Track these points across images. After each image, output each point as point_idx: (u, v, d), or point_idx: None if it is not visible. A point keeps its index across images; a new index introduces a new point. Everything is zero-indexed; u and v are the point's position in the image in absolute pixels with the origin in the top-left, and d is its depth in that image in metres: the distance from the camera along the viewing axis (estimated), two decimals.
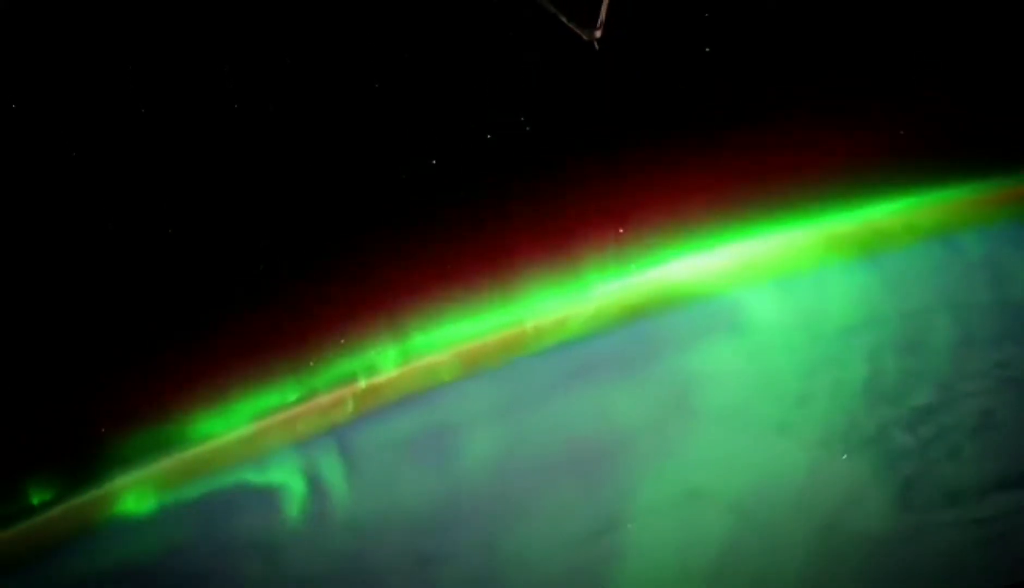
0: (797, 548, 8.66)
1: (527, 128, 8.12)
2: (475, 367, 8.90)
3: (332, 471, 8.85)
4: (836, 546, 8.67)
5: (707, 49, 7.96)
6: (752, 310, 8.66)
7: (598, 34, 7.38)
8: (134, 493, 8.58)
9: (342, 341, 8.72)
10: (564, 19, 7.42)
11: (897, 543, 8.73)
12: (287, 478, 8.81)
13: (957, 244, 8.75)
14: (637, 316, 8.74)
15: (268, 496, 8.77)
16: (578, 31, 7.41)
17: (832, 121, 8.24)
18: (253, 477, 8.81)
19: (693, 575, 8.66)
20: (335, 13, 7.74)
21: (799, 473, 8.63)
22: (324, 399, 8.80)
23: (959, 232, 8.73)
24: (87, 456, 8.46)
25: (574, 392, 8.82)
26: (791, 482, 8.63)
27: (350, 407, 8.89)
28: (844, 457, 8.45)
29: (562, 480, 8.80)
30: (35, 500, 8.33)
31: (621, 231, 8.49)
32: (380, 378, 8.88)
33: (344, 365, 8.78)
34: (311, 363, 8.70)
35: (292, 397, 8.74)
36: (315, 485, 8.81)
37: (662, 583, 8.68)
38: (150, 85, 7.67)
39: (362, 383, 8.83)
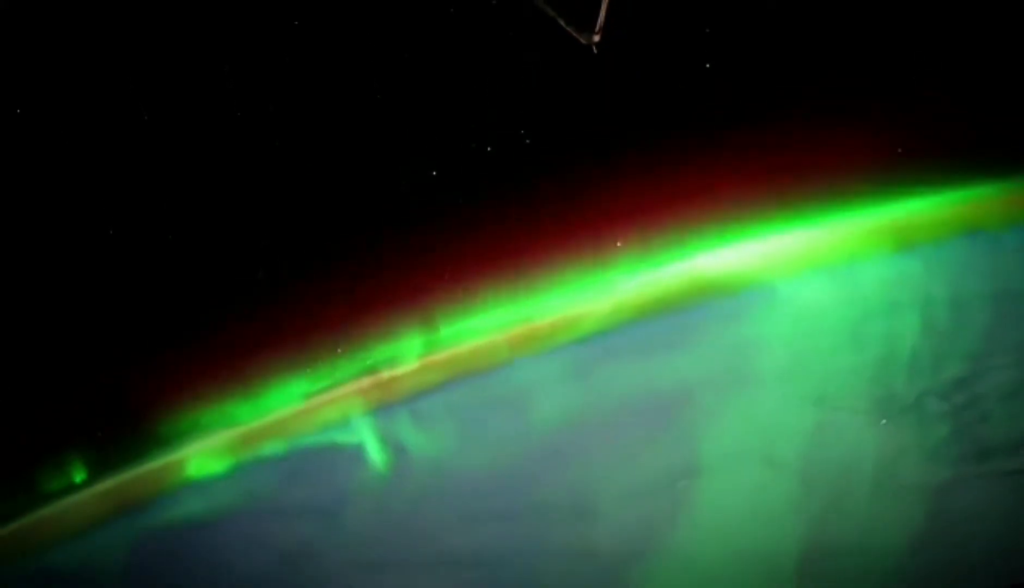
0: (844, 501, 9.26)
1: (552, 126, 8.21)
2: (531, 348, 9.50)
3: (404, 435, 9.61)
4: (877, 498, 9.19)
5: (719, 46, 7.76)
6: (798, 296, 9.14)
7: (596, 38, 7.26)
8: (208, 458, 9.65)
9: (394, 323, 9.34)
10: (563, 23, 7.32)
11: (935, 494, 9.15)
12: (358, 441, 9.60)
13: (989, 237, 9.04)
14: (684, 303, 9.28)
15: (336, 458, 9.63)
16: (577, 35, 7.30)
17: (864, 120, 8.41)
18: (322, 441, 9.65)
19: (751, 523, 9.33)
20: (340, 26, 7.82)
21: (843, 436, 9.19)
22: (388, 373, 9.49)
23: (992, 226, 9.01)
24: (160, 427, 9.46)
25: (627, 366, 9.44)
26: (837, 444, 9.21)
27: (410, 382, 9.57)
28: (883, 422, 8.97)
29: (620, 443, 9.48)
30: (113, 465, 9.44)
31: (654, 224, 8.73)
32: (432, 358, 9.50)
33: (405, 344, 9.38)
34: (378, 336, 9.30)
35: (353, 370, 9.49)
36: (386, 448, 9.57)
37: (723, 532, 9.30)
38: (154, 92, 7.90)
39: (414, 363, 9.45)
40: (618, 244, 8.88)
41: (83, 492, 9.38)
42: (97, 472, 9.38)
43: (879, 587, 9.24)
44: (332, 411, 9.64)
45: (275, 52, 7.82)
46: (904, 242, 8.90)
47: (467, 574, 9.51)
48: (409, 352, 9.35)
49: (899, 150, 8.34)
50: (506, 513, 9.54)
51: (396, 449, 9.65)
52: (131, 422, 9.23)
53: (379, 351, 9.29)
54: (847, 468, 9.21)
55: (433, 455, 9.62)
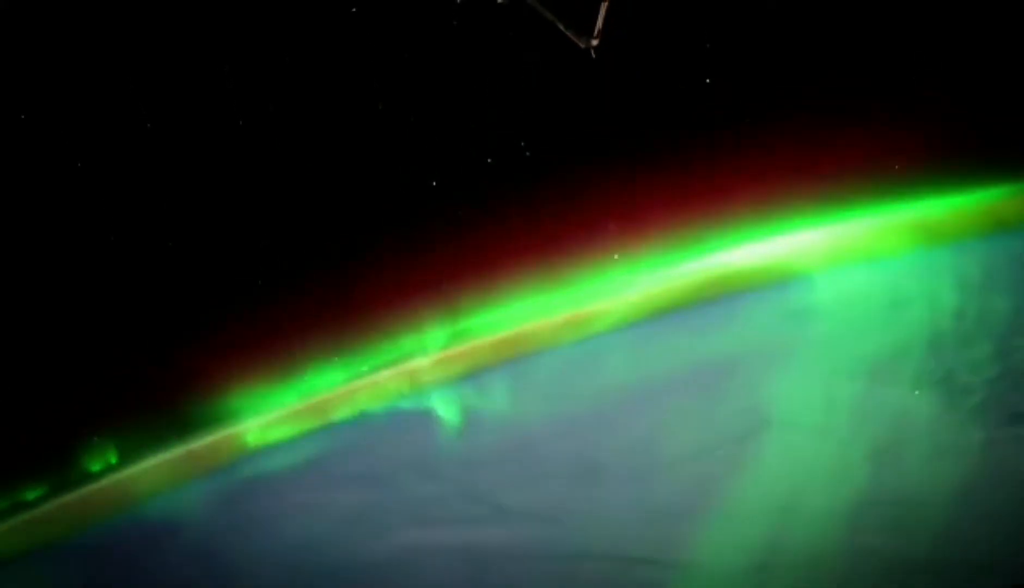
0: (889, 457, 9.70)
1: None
2: (594, 328, 10.41)
3: (467, 404, 10.54)
4: (912, 458, 9.55)
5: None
6: (841, 285, 9.88)
7: (595, 42, 7.14)
8: (278, 427, 10.63)
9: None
10: (562, 27, 7.21)
11: (967, 455, 9.41)
12: (419, 409, 10.48)
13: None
14: (734, 292, 10.12)
15: (395, 427, 10.56)
16: (575, 39, 7.20)
17: (902, 122, 8.68)
18: (382, 411, 10.57)
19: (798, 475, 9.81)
20: (347, 43, 7.89)
21: (878, 406, 9.74)
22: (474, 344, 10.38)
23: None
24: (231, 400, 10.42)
25: (680, 343, 10.27)
26: (876, 413, 9.75)
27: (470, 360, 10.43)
28: (916, 392, 9.52)
29: (684, 407, 10.23)
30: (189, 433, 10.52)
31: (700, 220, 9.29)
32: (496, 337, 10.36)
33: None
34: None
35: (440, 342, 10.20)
36: (473, 409, 10.57)
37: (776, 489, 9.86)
38: (161, 101, 8.15)
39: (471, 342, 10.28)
40: (663, 239, 9.51)
41: (168, 456, 10.51)
42: (178, 438, 10.45)
43: (925, 535, 9.53)
44: (391, 385, 10.40)
45: (280, 68, 7.97)
46: (935, 237, 9.47)
47: (523, 528, 10.28)
48: (467, 332, 10.10)
49: (931, 151, 8.68)
50: (564, 473, 10.32)
51: (459, 416, 10.50)
52: (205, 395, 10.17)
53: (442, 328, 9.93)
54: (889, 429, 9.66)
55: (495, 420, 10.47)
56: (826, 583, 9.23)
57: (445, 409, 10.46)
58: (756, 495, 9.73)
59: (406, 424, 10.55)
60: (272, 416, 10.40)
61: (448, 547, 10.31)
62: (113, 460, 10.44)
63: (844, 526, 9.40)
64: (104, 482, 10.34)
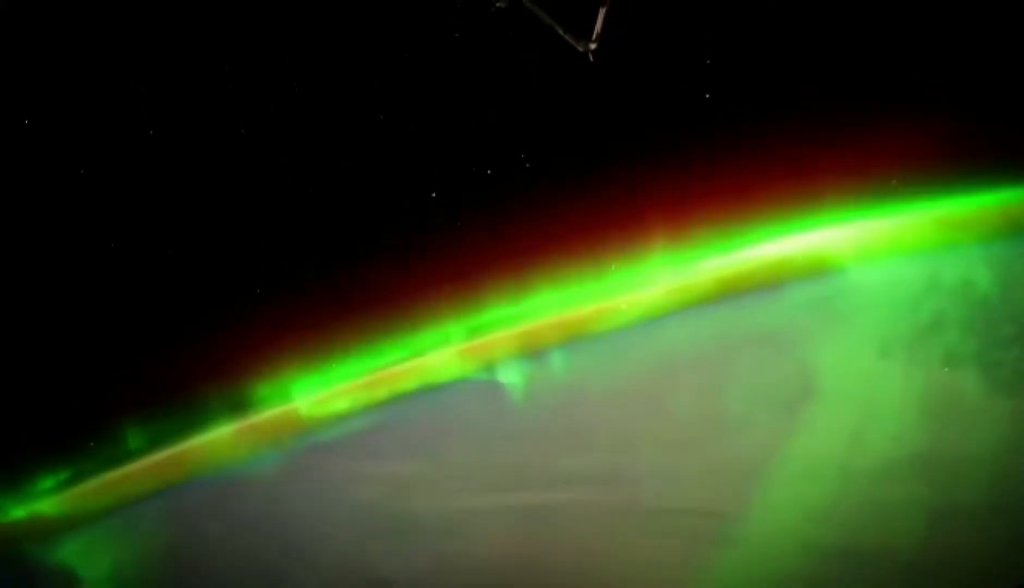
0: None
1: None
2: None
3: (545, 375, 11.05)
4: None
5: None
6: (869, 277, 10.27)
7: (593, 46, 7.04)
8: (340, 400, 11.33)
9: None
10: (560, 31, 7.13)
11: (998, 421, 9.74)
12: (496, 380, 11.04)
13: None
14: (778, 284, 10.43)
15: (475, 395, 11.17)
16: (574, 43, 7.10)
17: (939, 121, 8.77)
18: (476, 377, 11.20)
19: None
20: (352, 56, 7.93)
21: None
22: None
23: None
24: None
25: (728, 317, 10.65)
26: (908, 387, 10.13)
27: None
28: (945, 370, 9.82)
29: (733, 379, 10.67)
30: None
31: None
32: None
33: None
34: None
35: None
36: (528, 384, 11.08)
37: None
38: (162, 102, 8.35)
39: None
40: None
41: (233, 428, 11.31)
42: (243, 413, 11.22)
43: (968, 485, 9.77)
44: (443, 363, 10.97)
45: (281, 75, 8.07)
46: (966, 233, 9.74)
47: (576, 490, 10.84)
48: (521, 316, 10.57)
49: (959, 150, 8.89)
50: (617, 442, 10.85)
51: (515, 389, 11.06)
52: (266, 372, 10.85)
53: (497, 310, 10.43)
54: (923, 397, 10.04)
55: (548, 394, 11.02)
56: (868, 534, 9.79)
57: (499, 383, 10.95)
58: (805, 455, 10.22)
59: (459, 398, 11.09)
60: (332, 391, 11.06)
61: (502, 509, 10.95)
62: (179, 431, 11.24)
63: (886, 480, 9.90)
64: (174, 450, 11.17)
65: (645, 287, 10.29)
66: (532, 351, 10.92)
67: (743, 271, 10.23)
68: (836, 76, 8.40)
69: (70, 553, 11.34)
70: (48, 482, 10.88)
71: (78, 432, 10.48)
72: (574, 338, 10.81)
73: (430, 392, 11.09)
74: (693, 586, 10.50)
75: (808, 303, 10.26)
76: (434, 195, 8.85)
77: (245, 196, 9.19)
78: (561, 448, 10.94)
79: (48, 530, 11.05)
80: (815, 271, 10.10)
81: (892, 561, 9.75)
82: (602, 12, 6.93)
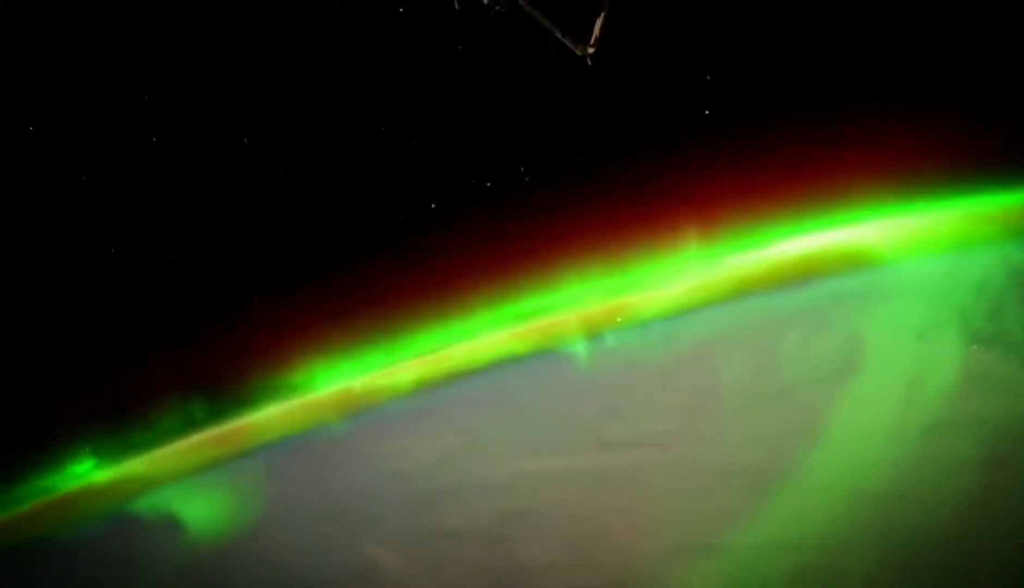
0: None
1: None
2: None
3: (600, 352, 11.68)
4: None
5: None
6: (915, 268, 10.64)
7: (591, 50, 6.94)
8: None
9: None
10: (559, 35, 7.05)
11: None
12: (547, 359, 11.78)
13: None
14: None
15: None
16: (572, 47, 7.02)
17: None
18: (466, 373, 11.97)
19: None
20: (355, 68, 8.04)
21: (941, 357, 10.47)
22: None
23: None
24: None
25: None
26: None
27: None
28: (974, 347, 10.18)
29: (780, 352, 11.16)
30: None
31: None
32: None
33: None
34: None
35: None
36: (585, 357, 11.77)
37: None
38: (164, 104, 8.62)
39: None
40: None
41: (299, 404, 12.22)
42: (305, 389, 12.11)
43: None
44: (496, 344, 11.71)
45: (282, 80, 8.26)
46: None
47: (631, 455, 11.38)
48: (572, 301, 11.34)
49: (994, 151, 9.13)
50: (670, 411, 11.39)
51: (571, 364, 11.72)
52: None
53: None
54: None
55: (602, 368, 11.65)
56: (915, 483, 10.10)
57: (556, 360, 11.58)
58: (850, 422, 10.58)
59: (511, 376, 11.79)
60: (393, 370, 11.94)
61: (556, 472, 11.59)
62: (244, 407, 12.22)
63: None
64: (237, 423, 12.17)
65: (695, 276, 10.85)
66: (589, 334, 11.48)
67: (782, 263, 10.68)
68: (862, 76, 8.53)
69: (169, 501, 12.65)
70: (136, 443, 12.09)
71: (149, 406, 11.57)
72: (626, 322, 11.34)
73: (482, 370, 11.76)
74: (748, 535, 10.80)
75: (851, 291, 10.62)
76: (488, 185, 9.31)
77: (304, 192, 9.75)
78: (617, 417, 11.48)
79: (143, 486, 12.36)
80: (856, 265, 10.46)
81: (938, 506, 9.98)
82: (601, 16, 6.78)
